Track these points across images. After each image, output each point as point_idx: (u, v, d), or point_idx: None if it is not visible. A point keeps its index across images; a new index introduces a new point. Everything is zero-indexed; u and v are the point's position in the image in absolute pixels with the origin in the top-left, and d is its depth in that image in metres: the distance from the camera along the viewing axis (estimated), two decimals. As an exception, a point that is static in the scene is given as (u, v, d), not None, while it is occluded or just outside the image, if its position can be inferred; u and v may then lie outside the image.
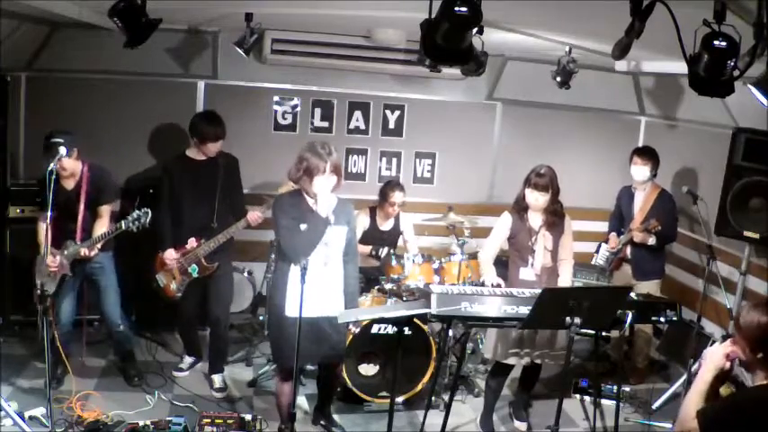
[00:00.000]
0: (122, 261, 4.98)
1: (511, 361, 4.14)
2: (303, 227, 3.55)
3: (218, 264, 4.51)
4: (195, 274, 4.49)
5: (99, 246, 4.21)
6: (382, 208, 5.26)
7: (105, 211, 4.34)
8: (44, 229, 4.19)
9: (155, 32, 3.31)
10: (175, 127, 5.40)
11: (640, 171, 4.94)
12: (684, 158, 5.82)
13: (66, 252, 4.22)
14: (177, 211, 4.48)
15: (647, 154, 4.96)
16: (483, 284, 4.11)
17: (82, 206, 4.24)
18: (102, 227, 4.29)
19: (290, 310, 3.58)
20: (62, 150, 3.85)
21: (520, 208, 4.17)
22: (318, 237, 3.58)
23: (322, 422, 4.24)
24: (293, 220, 3.57)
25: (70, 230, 4.25)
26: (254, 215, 4.41)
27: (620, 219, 5.23)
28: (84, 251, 4.17)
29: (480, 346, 5.22)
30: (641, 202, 5.00)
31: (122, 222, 4.08)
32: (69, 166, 4.17)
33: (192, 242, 4.44)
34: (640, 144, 6.50)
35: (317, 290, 3.61)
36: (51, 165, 3.77)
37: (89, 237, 4.25)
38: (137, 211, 4.07)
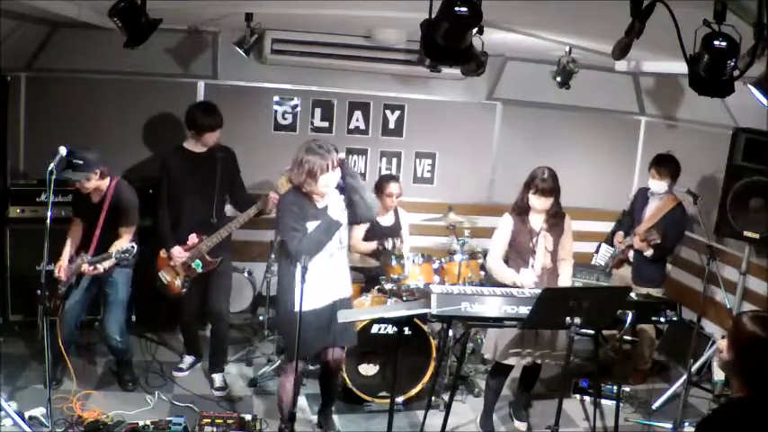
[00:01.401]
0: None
1: (511, 361, 4.13)
2: (310, 225, 3.58)
3: (221, 258, 4.52)
4: (199, 270, 4.49)
5: (103, 266, 4.17)
6: (380, 201, 5.25)
7: (125, 233, 4.26)
8: (74, 233, 4.32)
9: (155, 32, 3.31)
10: (175, 128, 5.40)
11: (657, 185, 4.84)
12: (684, 158, 5.80)
13: (74, 263, 4.25)
14: (177, 206, 4.48)
15: (666, 168, 4.80)
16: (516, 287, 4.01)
17: (101, 221, 4.22)
18: (117, 247, 4.25)
19: (303, 305, 3.58)
20: (62, 150, 3.83)
21: (521, 210, 4.15)
22: (329, 238, 3.62)
23: (320, 423, 4.24)
24: (300, 220, 3.59)
25: (89, 242, 4.26)
26: (274, 197, 4.36)
27: (631, 220, 5.18)
28: (85, 267, 4.17)
29: (481, 345, 5.22)
30: (654, 210, 4.92)
31: (112, 253, 4.08)
32: (90, 186, 4.14)
33: (192, 238, 4.44)
34: (640, 144, 6.52)
35: (325, 281, 3.69)
36: (51, 164, 3.75)
37: (104, 252, 4.23)
38: (126, 245, 4.07)
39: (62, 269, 4.25)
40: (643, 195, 5.08)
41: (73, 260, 4.28)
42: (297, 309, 3.52)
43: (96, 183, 4.16)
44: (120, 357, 4.56)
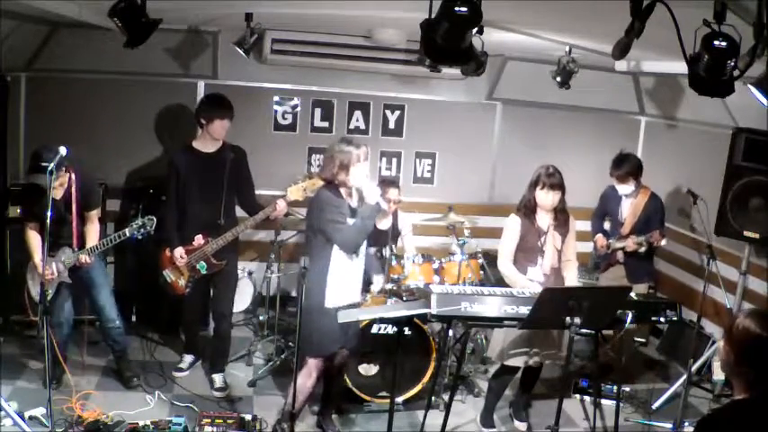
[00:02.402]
0: (122, 260, 5.01)
1: (518, 362, 4.13)
2: (350, 221, 3.65)
3: (226, 261, 4.52)
4: (204, 271, 4.48)
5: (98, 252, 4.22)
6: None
7: (94, 216, 4.35)
8: (34, 237, 4.22)
9: (155, 32, 3.31)
10: (175, 127, 5.41)
11: (624, 188, 4.90)
12: (684, 158, 5.82)
13: (63, 259, 4.22)
14: (183, 206, 4.47)
15: (625, 169, 4.81)
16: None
17: (74, 213, 4.22)
18: (93, 231, 4.32)
19: (330, 301, 3.67)
20: (62, 150, 3.83)
21: (528, 210, 4.14)
22: (371, 224, 3.69)
23: (321, 423, 4.23)
24: (342, 214, 3.65)
25: (65, 238, 4.25)
26: (282, 205, 4.37)
27: (603, 218, 5.20)
28: (84, 258, 4.18)
29: (481, 345, 5.22)
30: (631, 208, 4.94)
31: (127, 230, 4.10)
32: (58, 184, 4.11)
33: (198, 239, 4.43)
34: (640, 144, 6.52)
35: (349, 279, 3.76)
36: (51, 164, 3.75)
37: (83, 242, 4.25)
38: (141, 219, 4.08)
39: (50, 269, 4.18)
40: (614, 195, 5.06)
41: (47, 261, 4.16)
42: (329, 305, 3.65)
43: (63, 179, 4.16)
44: (119, 347, 4.57)
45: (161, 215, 4.47)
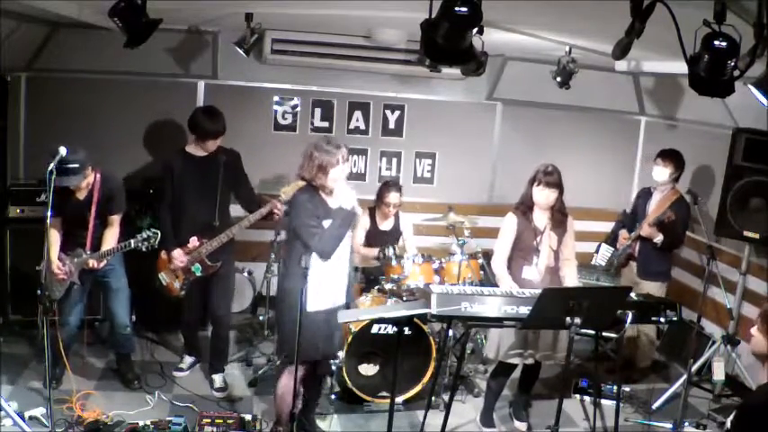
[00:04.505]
0: (123, 260, 4.99)
1: (515, 360, 4.14)
2: (326, 223, 3.58)
3: (221, 262, 4.51)
4: (198, 273, 4.48)
5: (108, 258, 4.22)
6: (379, 209, 5.27)
7: (116, 220, 4.32)
8: (54, 235, 4.22)
9: (155, 32, 3.31)
10: (175, 127, 5.41)
11: (660, 172, 4.93)
12: (684, 158, 5.82)
13: (75, 260, 4.23)
14: (178, 209, 4.47)
15: (669, 157, 4.93)
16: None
17: (92, 215, 4.22)
18: (112, 236, 4.29)
19: (312, 306, 3.60)
20: (62, 151, 3.83)
21: (525, 208, 4.15)
22: (346, 230, 3.63)
23: (306, 427, 4.15)
24: (316, 218, 3.59)
25: (81, 239, 4.24)
26: (276, 204, 4.36)
27: (633, 218, 5.22)
28: (92, 263, 4.17)
29: (481, 345, 5.22)
30: (657, 202, 4.98)
31: (132, 241, 4.10)
32: (84, 184, 4.15)
33: (193, 241, 4.43)
34: (640, 144, 6.54)
35: (332, 282, 3.68)
36: (51, 165, 3.75)
37: (99, 245, 4.25)
38: (147, 232, 4.09)
39: (60, 268, 4.20)
40: (645, 194, 5.16)
41: (62, 259, 4.23)
42: (312, 309, 3.57)
43: (88, 180, 4.16)
44: (125, 351, 4.58)
45: (159, 216, 4.50)
